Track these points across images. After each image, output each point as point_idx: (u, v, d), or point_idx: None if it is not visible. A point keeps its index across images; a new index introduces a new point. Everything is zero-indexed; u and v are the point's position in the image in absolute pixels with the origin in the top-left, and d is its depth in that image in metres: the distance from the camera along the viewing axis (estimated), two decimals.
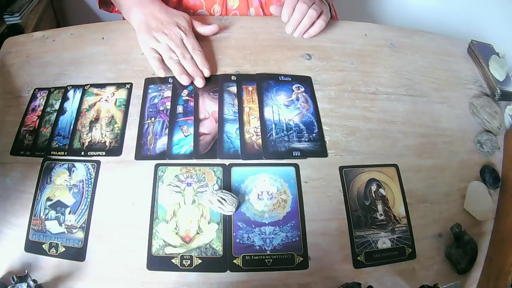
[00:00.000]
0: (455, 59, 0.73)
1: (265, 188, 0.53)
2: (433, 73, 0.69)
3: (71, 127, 0.57)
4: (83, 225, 0.50)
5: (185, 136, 0.56)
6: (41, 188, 0.53)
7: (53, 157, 0.55)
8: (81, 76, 0.63)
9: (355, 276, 0.49)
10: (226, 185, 0.53)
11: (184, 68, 0.60)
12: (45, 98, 0.61)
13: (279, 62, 0.65)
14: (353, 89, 0.64)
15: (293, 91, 0.62)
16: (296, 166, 0.55)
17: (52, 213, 0.51)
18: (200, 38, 0.67)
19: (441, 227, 0.54)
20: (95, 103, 0.59)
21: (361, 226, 0.52)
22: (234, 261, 0.48)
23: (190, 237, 0.49)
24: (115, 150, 0.55)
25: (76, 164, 0.54)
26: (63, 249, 0.49)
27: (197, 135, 0.56)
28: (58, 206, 0.51)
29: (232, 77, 0.62)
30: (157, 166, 0.53)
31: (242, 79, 0.62)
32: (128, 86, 0.61)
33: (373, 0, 1.29)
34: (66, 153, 0.55)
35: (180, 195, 0.52)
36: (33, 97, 0.62)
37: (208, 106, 0.59)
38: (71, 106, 0.59)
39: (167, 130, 0.56)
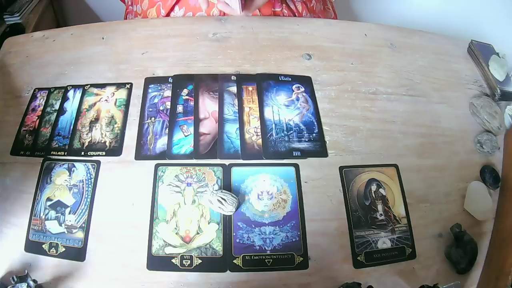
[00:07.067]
0: (455, 59, 0.73)
1: (265, 188, 0.53)
2: (433, 73, 0.69)
3: (71, 127, 0.57)
4: (83, 225, 0.50)
5: (185, 136, 0.56)
6: (41, 188, 0.52)
7: (53, 157, 0.55)
8: (81, 76, 0.63)
9: (355, 276, 0.49)
10: (226, 185, 0.53)
11: None
12: (45, 98, 0.61)
13: (279, 62, 0.65)
14: (353, 89, 0.64)
15: (293, 91, 0.62)
16: (296, 166, 0.55)
17: (52, 213, 0.51)
18: (201, 38, 0.67)
19: (441, 227, 0.54)
20: (95, 103, 0.59)
21: (361, 226, 0.52)
22: (234, 261, 0.48)
23: (190, 237, 0.49)
24: (115, 150, 0.55)
25: (76, 164, 0.54)
26: (63, 249, 0.49)
27: (197, 135, 0.56)
28: (58, 206, 0.51)
29: (232, 77, 0.62)
30: (157, 166, 0.53)
31: (242, 79, 0.62)
32: (128, 86, 0.61)
33: (373, 0, 1.29)
34: (66, 153, 0.55)
35: (180, 195, 0.52)
36: (33, 97, 0.61)
37: (208, 106, 0.59)
38: (71, 106, 0.59)
39: (167, 130, 0.56)
